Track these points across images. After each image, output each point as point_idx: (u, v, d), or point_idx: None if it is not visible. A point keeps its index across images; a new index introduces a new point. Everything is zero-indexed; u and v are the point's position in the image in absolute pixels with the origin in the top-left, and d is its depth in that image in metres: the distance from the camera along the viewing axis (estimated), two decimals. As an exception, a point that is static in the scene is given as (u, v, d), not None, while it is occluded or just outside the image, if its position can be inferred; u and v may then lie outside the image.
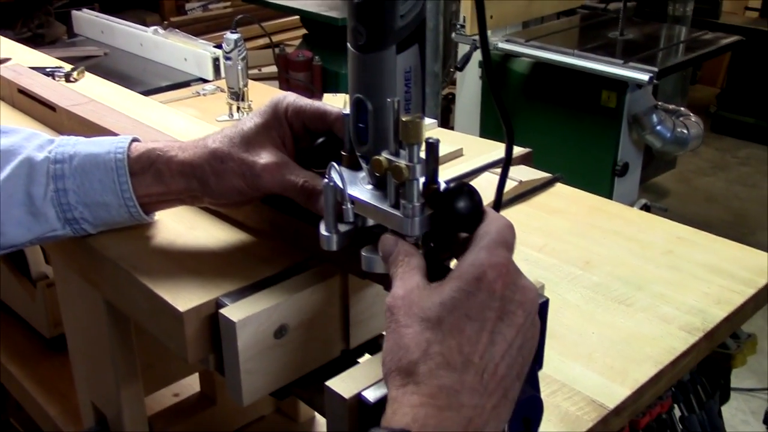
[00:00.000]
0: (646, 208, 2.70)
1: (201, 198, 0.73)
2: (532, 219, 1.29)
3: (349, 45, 0.62)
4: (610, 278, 1.15)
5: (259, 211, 0.76)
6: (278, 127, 0.72)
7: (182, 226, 0.79)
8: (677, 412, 1.19)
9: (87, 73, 1.37)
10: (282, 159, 0.70)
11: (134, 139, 0.75)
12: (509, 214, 1.20)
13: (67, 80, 1.32)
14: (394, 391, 0.52)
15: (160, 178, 0.72)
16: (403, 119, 0.56)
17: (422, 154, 0.58)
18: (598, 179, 2.66)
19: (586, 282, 1.15)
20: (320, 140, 0.72)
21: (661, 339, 1.02)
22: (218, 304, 0.64)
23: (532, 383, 0.61)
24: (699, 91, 4.77)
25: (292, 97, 0.73)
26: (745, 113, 4.25)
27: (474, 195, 0.59)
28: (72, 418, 1.04)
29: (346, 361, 0.70)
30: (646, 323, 1.05)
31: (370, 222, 0.66)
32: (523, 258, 1.16)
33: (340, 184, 0.62)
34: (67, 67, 1.39)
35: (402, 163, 0.57)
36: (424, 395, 0.51)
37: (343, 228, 0.63)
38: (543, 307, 0.60)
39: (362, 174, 0.66)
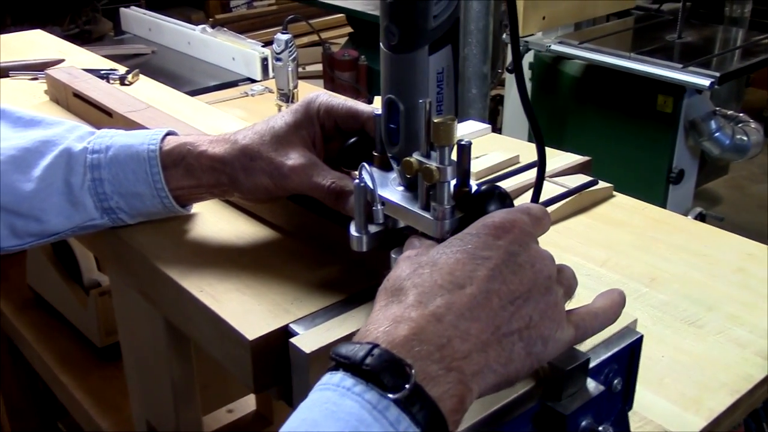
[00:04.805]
0: (701, 216, 2.62)
1: (230, 192, 0.74)
2: (593, 231, 1.25)
3: (381, 45, 0.61)
4: (678, 297, 1.10)
5: (328, 228, 0.73)
6: (309, 126, 0.72)
7: (244, 242, 0.76)
8: (747, 440, 1.13)
9: (141, 76, 1.35)
10: (310, 160, 0.70)
11: (169, 132, 0.76)
12: (567, 224, 1.17)
13: (122, 83, 1.31)
14: (375, 312, 0.49)
15: (190, 172, 0.73)
16: (435, 121, 0.55)
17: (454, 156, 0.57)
18: (652, 186, 2.58)
19: (653, 300, 1.10)
20: (352, 140, 0.72)
21: (736, 365, 0.96)
22: (288, 332, 0.61)
23: (622, 425, 0.57)
24: (751, 94, 4.64)
25: (324, 97, 0.73)
26: (801, 118, 4.13)
27: (506, 198, 0.58)
28: (124, 432, 1.02)
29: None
30: (719, 347, 1.00)
31: (401, 224, 0.64)
32: (585, 274, 1.11)
33: (370, 184, 0.61)
34: (122, 69, 1.37)
35: (433, 165, 0.56)
36: (405, 307, 0.48)
37: (373, 229, 0.63)
38: (637, 343, 0.56)
39: (393, 175, 0.65)
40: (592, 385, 0.52)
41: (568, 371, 0.50)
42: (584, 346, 0.56)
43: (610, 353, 0.55)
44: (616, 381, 0.55)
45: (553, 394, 0.51)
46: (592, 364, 0.53)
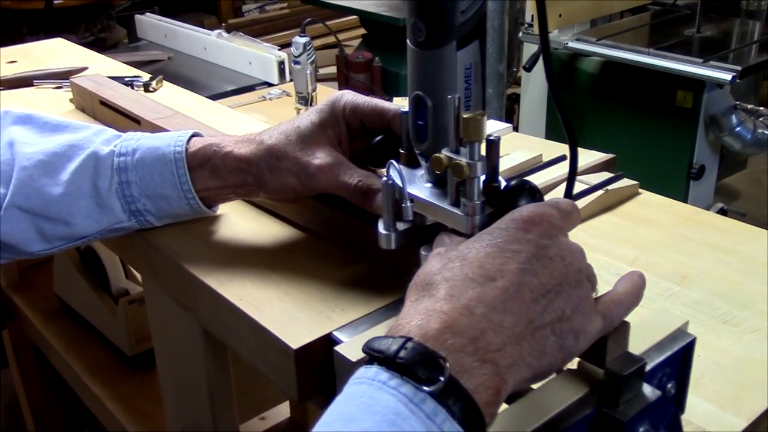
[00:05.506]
0: (723, 212, 2.59)
1: (257, 192, 0.74)
2: (620, 229, 1.23)
3: (408, 42, 0.61)
4: (711, 295, 1.08)
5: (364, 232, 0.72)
6: (335, 125, 0.72)
7: (275, 245, 0.76)
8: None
9: (165, 82, 1.35)
10: (336, 159, 0.70)
11: (194, 134, 0.77)
12: (594, 223, 1.15)
13: (146, 90, 1.31)
14: (406, 306, 0.49)
15: (216, 173, 0.73)
16: (465, 116, 0.55)
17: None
18: (673, 183, 2.56)
19: (686, 299, 1.08)
20: (378, 138, 0.72)
21: (773, 363, 0.95)
22: (332, 340, 0.60)
23: (675, 430, 0.55)
24: (766, 87, 4.60)
25: (349, 95, 0.73)
26: (819, 111, 4.08)
27: (536, 193, 0.57)
28: (156, 441, 1.01)
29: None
30: (756, 345, 0.98)
31: (429, 220, 0.64)
32: (614, 273, 1.10)
33: (399, 182, 0.61)
34: (145, 76, 1.37)
35: (463, 160, 0.56)
36: (436, 300, 0.47)
37: (401, 226, 0.63)
38: (690, 345, 0.55)
39: (420, 172, 0.65)
40: (648, 390, 0.51)
41: (625, 376, 0.49)
42: (637, 350, 0.54)
43: (663, 357, 0.53)
44: (669, 385, 0.54)
45: (609, 401, 0.50)
46: (646, 369, 0.52)
